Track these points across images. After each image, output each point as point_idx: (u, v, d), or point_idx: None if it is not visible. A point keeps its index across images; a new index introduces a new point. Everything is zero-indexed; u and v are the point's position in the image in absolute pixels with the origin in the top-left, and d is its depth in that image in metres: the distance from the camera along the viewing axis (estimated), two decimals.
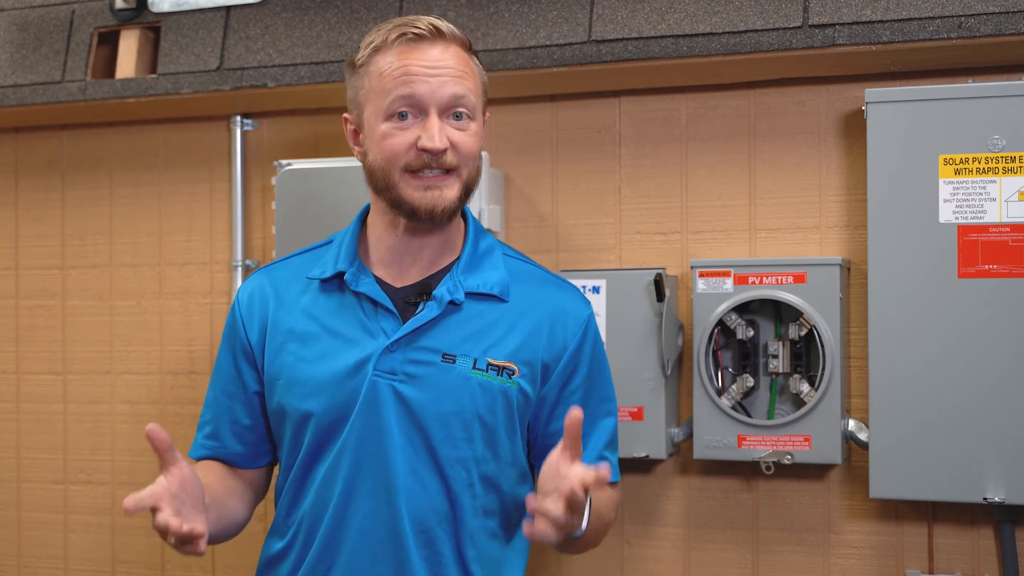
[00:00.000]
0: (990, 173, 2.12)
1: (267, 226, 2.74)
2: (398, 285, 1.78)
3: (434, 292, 1.76)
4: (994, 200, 2.12)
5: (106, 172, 2.92)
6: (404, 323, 1.74)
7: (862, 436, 2.26)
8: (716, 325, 2.29)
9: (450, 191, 1.72)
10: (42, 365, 2.97)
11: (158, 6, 2.66)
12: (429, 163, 1.70)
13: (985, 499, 2.11)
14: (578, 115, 2.54)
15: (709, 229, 2.44)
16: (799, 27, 2.19)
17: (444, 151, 1.70)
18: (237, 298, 1.87)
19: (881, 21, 2.13)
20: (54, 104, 2.73)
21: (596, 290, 2.37)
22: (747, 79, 2.40)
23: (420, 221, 1.74)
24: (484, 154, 2.40)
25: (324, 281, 1.80)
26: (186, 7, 2.64)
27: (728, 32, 2.22)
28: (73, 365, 2.94)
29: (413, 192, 1.71)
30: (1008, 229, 2.11)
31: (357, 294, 1.76)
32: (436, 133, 1.69)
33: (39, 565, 2.95)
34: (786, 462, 2.24)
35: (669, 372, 2.33)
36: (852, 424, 2.28)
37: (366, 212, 1.86)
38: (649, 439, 2.34)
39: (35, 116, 2.86)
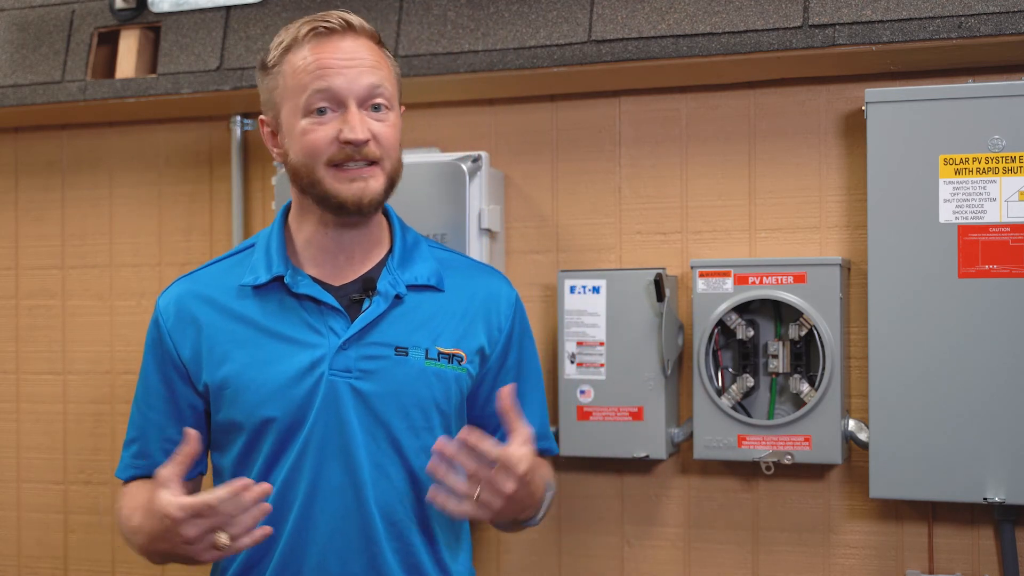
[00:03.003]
0: (990, 173, 2.12)
1: (267, 226, 2.73)
2: (336, 283, 1.78)
3: (378, 287, 1.76)
4: (994, 200, 2.12)
5: (106, 172, 2.92)
6: (352, 320, 1.74)
7: (862, 436, 2.26)
8: (716, 325, 2.29)
9: (375, 182, 1.72)
10: (42, 365, 2.97)
11: (158, 6, 2.66)
12: (352, 155, 1.70)
13: (985, 499, 2.11)
14: (578, 115, 2.54)
15: (709, 229, 2.44)
16: (799, 27, 2.19)
17: (367, 142, 1.69)
18: (158, 311, 1.82)
19: (881, 21, 2.13)
20: (54, 104, 2.73)
21: (596, 290, 2.37)
22: (747, 79, 2.40)
23: (348, 214, 1.74)
24: (484, 154, 2.41)
25: (259, 287, 1.77)
26: (186, 7, 2.64)
27: (728, 32, 2.22)
28: (73, 365, 2.94)
29: (339, 185, 1.71)
30: (1008, 229, 2.11)
31: (298, 296, 1.76)
32: (357, 124, 1.68)
33: (39, 565, 2.95)
34: (786, 462, 2.24)
35: (669, 372, 2.33)
36: (852, 424, 2.28)
37: (286, 213, 1.85)
38: (649, 439, 2.34)
39: (35, 116, 2.86)
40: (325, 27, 1.72)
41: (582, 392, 2.37)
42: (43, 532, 2.95)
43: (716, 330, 2.30)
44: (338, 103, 1.70)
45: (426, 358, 1.76)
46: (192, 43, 2.62)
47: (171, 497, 1.55)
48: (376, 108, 1.72)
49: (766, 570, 2.39)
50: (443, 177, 2.38)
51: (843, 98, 2.36)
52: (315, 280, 1.77)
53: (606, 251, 2.51)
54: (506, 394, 1.60)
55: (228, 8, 2.61)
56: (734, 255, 2.42)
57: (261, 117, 1.80)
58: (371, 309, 1.75)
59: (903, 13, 2.12)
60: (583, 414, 2.37)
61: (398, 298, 1.77)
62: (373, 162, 1.72)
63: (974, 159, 2.13)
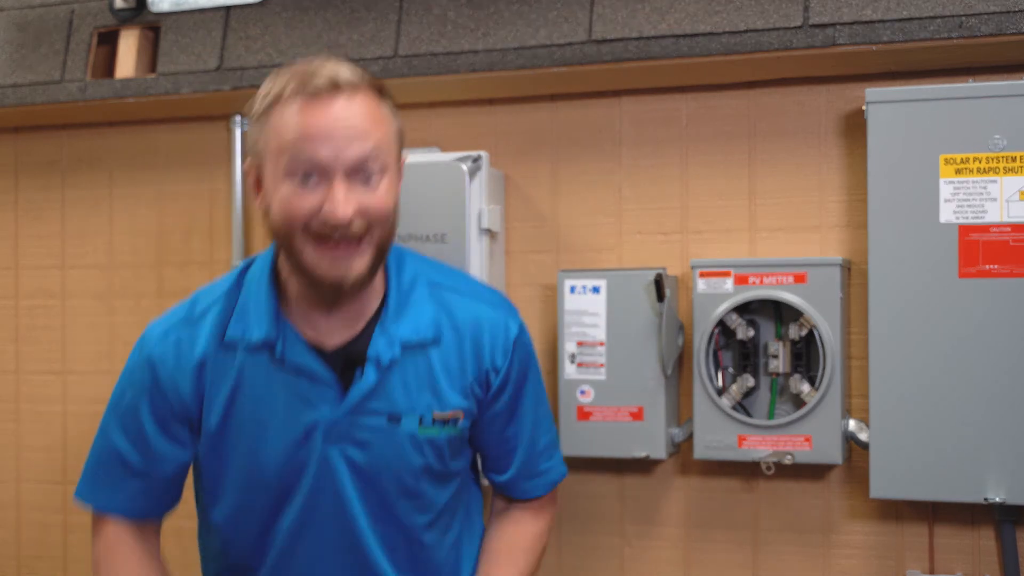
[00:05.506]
0: (991, 173, 2.12)
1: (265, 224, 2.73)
2: (329, 344, 1.71)
3: (368, 354, 1.69)
4: (995, 200, 2.12)
5: (106, 172, 2.92)
6: (346, 390, 1.70)
7: (862, 436, 2.26)
8: (716, 325, 2.29)
9: (360, 260, 1.61)
10: (42, 365, 2.97)
11: (158, 6, 2.66)
12: (333, 233, 1.58)
13: (986, 499, 2.11)
14: (578, 115, 2.54)
15: (709, 229, 2.44)
16: (799, 27, 2.18)
17: (350, 222, 1.57)
18: (151, 356, 1.73)
19: (881, 21, 2.13)
20: (54, 104, 2.73)
21: (596, 290, 2.37)
22: (747, 79, 2.39)
23: (327, 292, 1.65)
24: (484, 154, 2.40)
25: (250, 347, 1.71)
26: (186, 7, 2.64)
27: (728, 32, 2.22)
28: (73, 365, 2.93)
29: (319, 261, 1.60)
30: (1009, 229, 2.11)
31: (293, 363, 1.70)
32: (340, 203, 1.56)
33: (39, 565, 2.95)
34: (786, 462, 2.24)
35: (669, 372, 2.33)
36: (852, 424, 2.28)
37: (276, 254, 1.74)
38: (649, 439, 2.34)
39: (35, 116, 2.86)
40: (315, 87, 1.58)
41: (582, 392, 2.37)
42: (43, 532, 2.95)
43: (716, 330, 2.30)
44: (323, 174, 1.57)
45: (420, 425, 1.72)
46: (192, 43, 2.62)
47: None
48: (367, 179, 1.60)
49: (766, 570, 2.39)
50: (443, 177, 2.37)
51: (843, 98, 2.36)
52: (308, 343, 1.69)
53: (606, 251, 2.51)
54: None
55: (228, 8, 2.61)
56: (734, 255, 2.41)
57: (248, 161, 1.69)
58: (362, 383, 1.70)
59: (903, 13, 2.12)
60: (583, 414, 2.37)
61: (392, 363, 1.71)
62: (360, 237, 1.60)
63: (975, 159, 2.12)
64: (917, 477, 2.15)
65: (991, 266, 2.11)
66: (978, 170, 2.12)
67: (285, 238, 1.63)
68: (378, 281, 1.74)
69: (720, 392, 2.31)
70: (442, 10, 2.42)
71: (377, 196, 1.61)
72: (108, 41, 2.73)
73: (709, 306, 2.29)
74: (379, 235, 1.63)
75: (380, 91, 1.65)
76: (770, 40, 2.20)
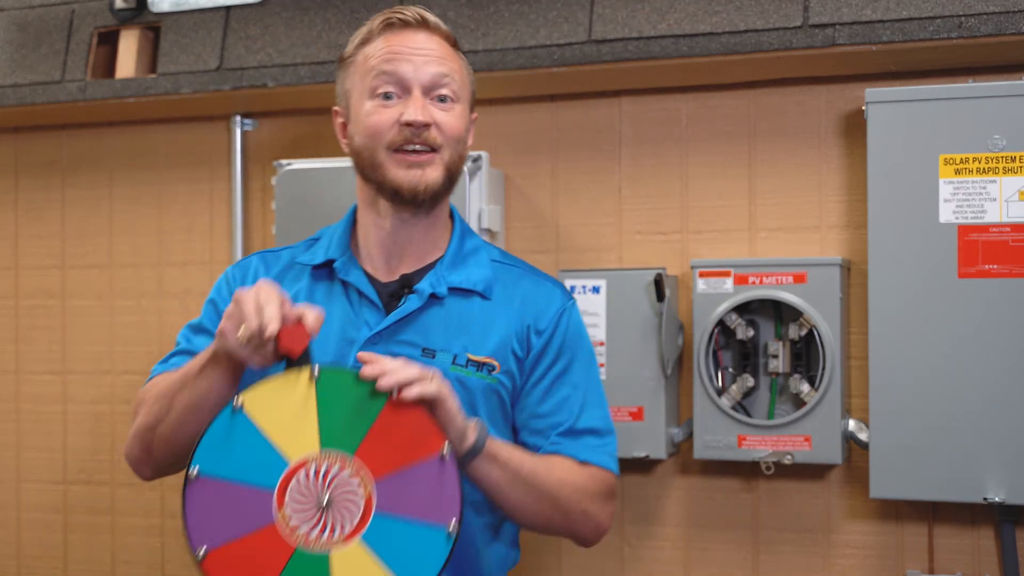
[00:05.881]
0: (990, 173, 2.12)
1: (267, 226, 2.73)
2: (384, 280, 1.78)
3: (416, 286, 1.76)
4: (994, 200, 2.12)
5: (106, 172, 2.92)
6: (387, 316, 1.75)
7: (862, 436, 2.26)
8: (716, 325, 2.29)
9: (433, 171, 1.71)
10: (42, 365, 2.96)
11: (158, 6, 2.66)
12: (411, 139, 1.70)
13: (985, 499, 2.11)
14: (578, 115, 2.54)
15: (709, 229, 2.44)
16: (799, 27, 2.19)
17: (427, 125, 1.69)
18: (229, 273, 1.85)
19: (881, 21, 2.13)
20: (54, 104, 2.73)
21: (596, 290, 2.37)
22: (747, 79, 2.39)
23: (403, 202, 1.73)
24: (484, 154, 2.40)
25: (315, 268, 1.80)
26: (186, 7, 2.64)
27: (728, 32, 2.22)
28: (73, 365, 2.93)
29: (397, 170, 1.71)
30: (1008, 229, 2.11)
31: (345, 284, 1.77)
32: (419, 108, 1.69)
33: (39, 565, 2.95)
34: (786, 462, 2.24)
35: (669, 372, 2.33)
36: (852, 424, 2.28)
37: (356, 208, 1.86)
38: (649, 439, 2.34)
39: (35, 116, 2.86)
40: (400, 19, 1.74)
41: None
42: (43, 532, 2.95)
43: (716, 330, 2.30)
44: (403, 88, 1.71)
45: (452, 363, 1.73)
46: (192, 43, 2.62)
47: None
48: (442, 99, 1.72)
49: (766, 570, 2.39)
50: None
51: (843, 98, 2.36)
52: (365, 273, 1.78)
53: (606, 251, 2.51)
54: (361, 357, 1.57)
55: (228, 8, 2.61)
56: (734, 255, 2.42)
57: (334, 108, 1.82)
58: (404, 306, 1.74)
59: (903, 13, 2.12)
60: None
61: (436, 298, 1.75)
62: (433, 149, 1.71)
63: (974, 159, 2.13)
64: (917, 477, 2.15)
65: (991, 266, 2.11)
66: (978, 170, 2.12)
67: (368, 154, 1.73)
68: (443, 236, 1.82)
69: (720, 392, 2.31)
70: (442, 10, 2.42)
71: (450, 116, 1.72)
72: (108, 41, 2.73)
73: (709, 306, 2.29)
74: (448, 156, 1.73)
75: (457, 45, 1.79)
76: (770, 40, 2.20)
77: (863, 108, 2.20)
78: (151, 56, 2.70)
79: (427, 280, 1.76)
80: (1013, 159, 2.11)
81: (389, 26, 1.75)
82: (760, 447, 2.26)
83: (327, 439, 1.51)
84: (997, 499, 2.10)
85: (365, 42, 1.76)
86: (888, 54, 2.19)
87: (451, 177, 1.75)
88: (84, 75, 2.70)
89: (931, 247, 2.14)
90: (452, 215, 1.85)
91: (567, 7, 2.34)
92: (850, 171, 2.35)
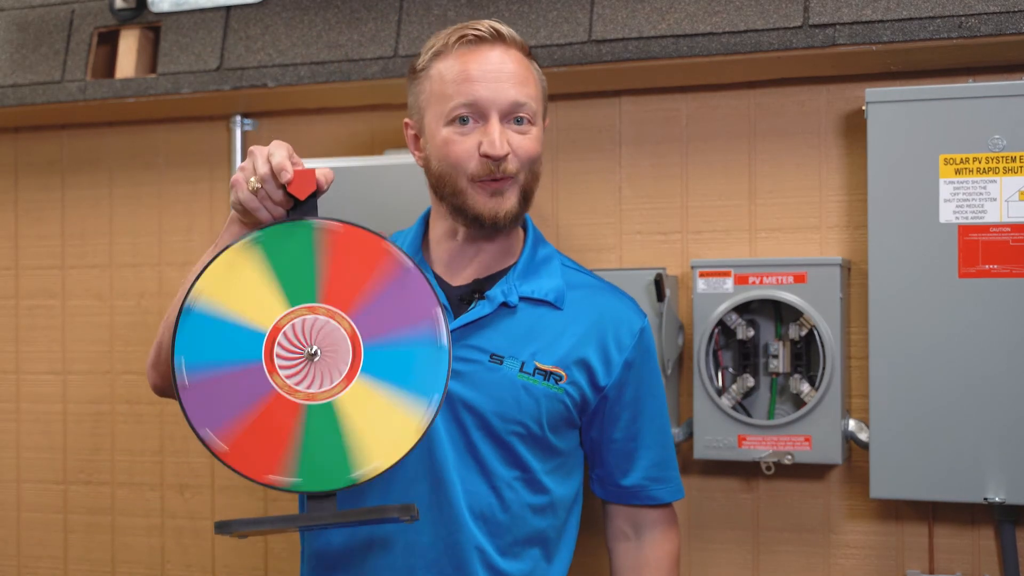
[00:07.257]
0: (991, 173, 2.12)
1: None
2: (455, 284, 1.80)
3: (487, 292, 1.77)
4: (995, 200, 2.12)
5: (106, 172, 2.92)
6: (455, 319, 1.76)
7: (862, 436, 2.26)
8: (716, 325, 2.29)
9: (511, 196, 1.74)
10: (42, 365, 2.97)
11: (158, 6, 2.66)
12: (491, 170, 1.71)
13: (985, 499, 2.11)
14: (578, 115, 2.54)
15: (709, 229, 2.44)
16: (799, 27, 2.19)
17: (505, 156, 1.70)
18: None
19: (881, 21, 2.13)
20: (54, 104, 2.73)
21: None
22: (747, 79, 2.40)
23: (482, 228, 1.75)
24: None
25: None
26: (186, 7, 2.64)
27: (728, 32, 2.22)
28: (73, 365, 2.94)
29: (477, 198, 1.73)
30: (1009, 229, 2.11)
31: None
32: (497, 138, 1.70)
33: (39, 565, 2.95)
34: (786, 462, 2.24)
35: (669, 372, 2.33)
36: (852, 424, 2.28)
37: (428, 212, 1.89)
38: None
39: (35, 116, 2.86)
40: (475, 35, 1.73)
41: None
42: (43, 532, 2.95)
43: (716, 330, 2.30)
44: (480, 115, 1.72)
45: (520, 371, 1.74)
46: (192, 43, 2.62)
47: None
48: (518, 121, 1.73)
49: (766, 570, 2.39)
50: None
51: (843, 98, 2.36)
52: (436, 276, 1.79)
53: (606, 251, 2.51)
54: None
55: (228, 8, 2.61)
56: (734, 255, 2.42)
57: (406, 120, 1.82)
58: (473, 311, 1.75)
59: (903, 13, 2.12)
60: None
61: (507, 307, 1.76)
62: (509, 176, 1.72)
63: (974, 159, 2.13)
64: (917, 477, 2.15)
65: (991, 266, 2.11)
66: (978, 170, 2.12)
67: (450, 180, 1.74)
68: (515, 246, 1.84)
69: (720, 392, 2.31)
70: (442, 10, 2.42)
71: (526, 139, 1.74)
72: (108, 41, 2.73)
73: (709, 306, 2.29)
74: (524, 179, 1.76)
75: (530, 53, 1.81)
76: (770, 40, 2.20)
77: (863, 108, 2.20)
78: (151, 56, 2.70)
79: (499, 287, 1.77)
80: (1013, 159, 2.11)
81: (464, 41, 1.74)
82: (760, 447, 2.26)
83: (291, 296, 1.52)
84: (997, 499, 2.10)
85: (439, 55, 1.75)
86: (888, 54, 2.19)
87: (527, 197, 1.77)
88: (84, 75, 2.70)
89: (931, 247, 2.14)
90: (525, 222, 1.86)
91: (567, 7, 2.34)
92: (850, 171, 2.35)
